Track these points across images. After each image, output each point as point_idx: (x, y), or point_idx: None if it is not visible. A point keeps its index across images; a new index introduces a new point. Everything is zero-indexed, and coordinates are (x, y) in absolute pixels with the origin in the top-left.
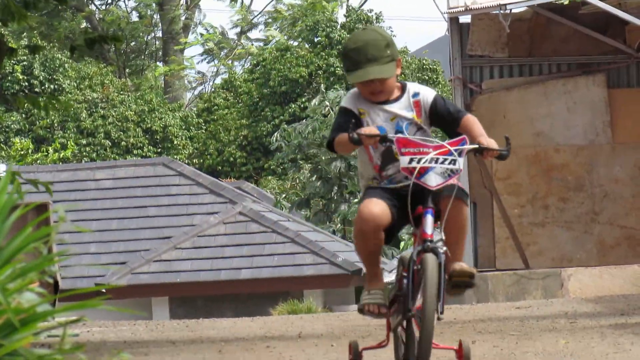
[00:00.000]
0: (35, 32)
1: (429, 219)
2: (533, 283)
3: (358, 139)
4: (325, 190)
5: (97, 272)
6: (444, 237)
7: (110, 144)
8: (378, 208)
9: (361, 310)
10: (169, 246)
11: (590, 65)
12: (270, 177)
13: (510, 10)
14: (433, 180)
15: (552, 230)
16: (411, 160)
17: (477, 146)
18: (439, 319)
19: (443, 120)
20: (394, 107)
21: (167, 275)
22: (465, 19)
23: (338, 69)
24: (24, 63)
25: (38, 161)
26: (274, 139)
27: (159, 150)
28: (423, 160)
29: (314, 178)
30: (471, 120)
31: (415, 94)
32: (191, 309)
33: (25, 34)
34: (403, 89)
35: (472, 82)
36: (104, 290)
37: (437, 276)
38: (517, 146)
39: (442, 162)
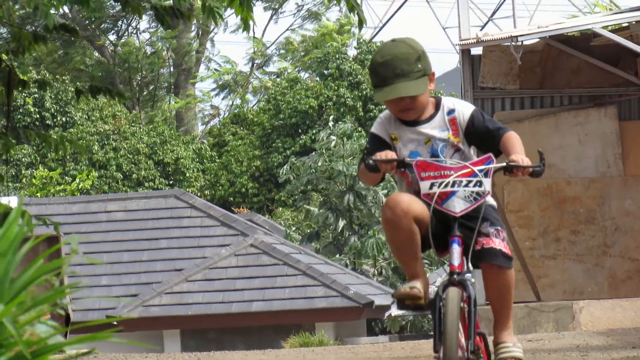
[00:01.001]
0: (44, 66)
1: (456, 249)
2: (544, 316)
3: (374, 164)
4: (335, 222)
5: (108, 305)
6: (492, 311)
7: (121, 176)
8: (406, 197)
9: (397, 301)
10: (180, 278)
11: (601, 97)
12: (282, 209)
13: (522, 42)
14: (457, 206)
15: (563, 263)
16: (432, 186)
17: (504, 164)
18: (468, 357)
19: (481, 138)
20: (427, 128)
21: (178, 307)
22: (476, 50)
23: (349, 99)
24: (35, 95)
25: (60, 192)
26: (283, 171)
27: (171, 182)
28: (444, 185)
29: (322, 210)
30: (512, 138)
31: (451, 111)
32: (203, 342)
33: (34, 68)
34: (437, 106)
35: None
36: (115, 323)
37: (459, 312)
38: (529, 180)
39: (466, 185)
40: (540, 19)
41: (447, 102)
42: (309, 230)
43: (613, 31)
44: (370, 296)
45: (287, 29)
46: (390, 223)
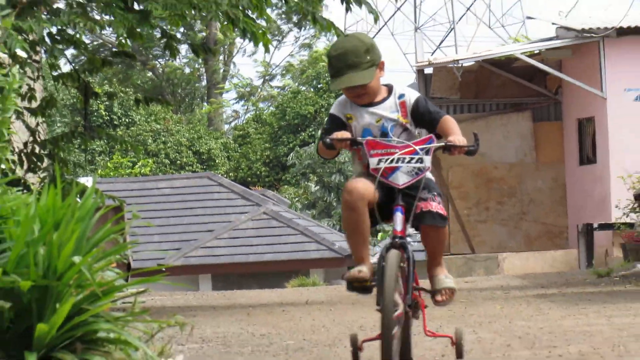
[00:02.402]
0: (113, 80)
1: (399, 217)
2: (477, 264)
3: (330, 143)
4: (326, 195)
5: (158, 256)
6: (427, 255)
7: (169, 162)
8: (362, 183)
9: (347, 282)
10: (211, 237)
11: (520, 104)
12: (286, 186)
13: (462, 64)
14: (400, 180)
15: (491, 226)
16: (379, 162)
17: (443, 144)
18: (406, 310)
19: (423, 119)
20: (380, 109)
21: (210, 258)
22: (428, 70)
23: None
24: (106, 103)
25: (126, 174)
26: (290, 158)
27: (204, 167)
28: (389, 161)
29: (317, 187)
30: (448, 121)
31: (401, 95)
32: (227, 283)
33: (106, 82)
34: (390, 91)
35: None
36: (163, 269)
37: (397, 271)
38: (467, 164)
39: (409, 162)
40: (475, 46)
41: (398, 88)
42: (306, 202)
43: (529, 56)
44: (345, 248)
45: (288, 55)
46: (348, 205)
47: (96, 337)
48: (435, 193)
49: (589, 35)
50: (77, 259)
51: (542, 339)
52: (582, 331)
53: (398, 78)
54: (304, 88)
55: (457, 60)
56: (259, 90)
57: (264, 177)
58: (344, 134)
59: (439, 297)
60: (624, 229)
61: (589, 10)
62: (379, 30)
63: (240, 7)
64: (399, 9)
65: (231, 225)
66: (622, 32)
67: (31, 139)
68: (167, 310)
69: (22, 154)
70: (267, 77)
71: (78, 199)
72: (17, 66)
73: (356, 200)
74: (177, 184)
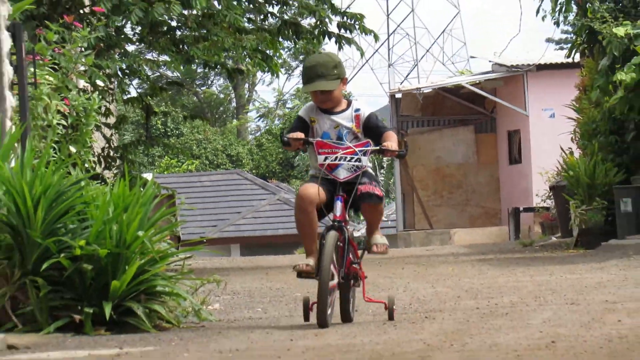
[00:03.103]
0: (167, 102)
1: (338, 204)
2: (435, 237)
3: (287, 141)
4: None
5: (200, 231)
6: (366, 225)
7: (208, 162)
8: (312, 189)
9: (297, 273)
10: (240, 216)
11: (465, 120)
12: (294, 180)
13: (423, 91)
14: (341, 174)
15: (445, 209)
16: (325, 158)
17: (378, 147)
18: (339, 282)
19: (372, 131)
20: (339, 118)
21: (238, 232)
22: (398, 95)
23: None
24: (162, 119)
25: (176, 171)
26: (296, 159)
27: (234, 166)
28: (332, 158)
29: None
30: (389, 133)
31: (357, 110)
32: (251, 251)
33: (162, 103)
34: (349, 105)
35: (402, 130)
36: (204, 241)
37: (333, 249)
38: (427, 164)
39: (349, 160)
40: (432, 78)
41: (356, 104)
42: None
43: (472, 85)
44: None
45: (296, 84)
46: (300, 209)
47: (155, 290)
48: (373, 180)
49: (516, 69)
50: (140, 233)
51: (483, 291)
52: (512, 286)
53: (376, 101)
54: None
55: (419, 89)
56: (275, 109)
57: (278, 173)
58: (299, 135)
59: (374, 248)
60: (542, 211)
61: (516, 51)
62: (362, 66)
63: (260, 47)
64: (376, 51)
65: (254, 208)
66: (540, 68)
67: (107, 145)
68: (207, 271)
69: (101, 157)
70: (281, 101)
71: (141, 189)
72: (97, 92)
73: (307, 205)
74: (213, 178)
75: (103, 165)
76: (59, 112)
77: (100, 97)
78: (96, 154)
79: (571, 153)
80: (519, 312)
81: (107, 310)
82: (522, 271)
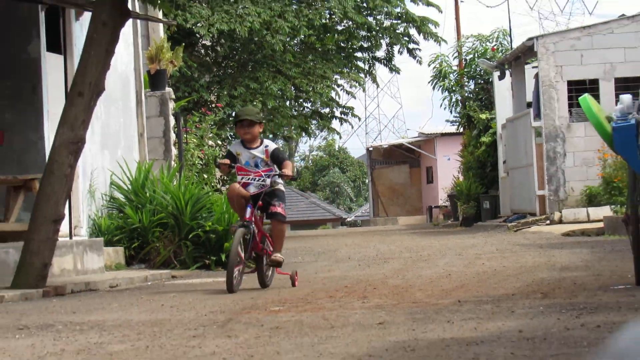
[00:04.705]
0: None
1: (248, 210)
2: (389, 221)
3: (218, 165)
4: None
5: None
6: (272, 240)
7: None
8: (236, 186)
9: (231, 231)
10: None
11: (405, 161)
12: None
13: (384, 146)
14: (251, 190)
15: (394, 207)
16: (242, 178)
17: (278, 173)
18: (248, 266)
19: (275, 160)
20: (255, 152)
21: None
22: (370, 149)
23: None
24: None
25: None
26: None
27: None
28: (245, 179)
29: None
30: (286, 162)
31: (267, 146)
32: (289, 229)
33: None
34: (261, 143)
35: (372, 166)
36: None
37: (239, 241)
38: (385, 184)
39: (258, 180)
40: (388, 139)
41: (267, 141)
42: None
43: (409, 143)
44: (342, 214)
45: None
46: (230, 198)
47: None
48: (281, 202)
49: (431, 135)
50: None
51: (413, 248)
52: (428, 245)
53: (360, 151)
54: (324, 155)
55: (381, 145)
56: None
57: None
58: (226, 161)
59: (269, 263)
60: (443, 207)
61: (431, 126)
62: (351, 135)
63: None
64: (359, 126)
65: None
66: (443, 135)
67: (221, 175)
68: None
69: (220, 180)
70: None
71: None
72: (218, 147)
73: (233, 196)
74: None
75: (220, 184)
76: (199, 157)
77: (220, 149)
78: (217, 178)
79: (458, 178)
80: (432, 259)
81: (223, 257)
82: (433, 238)
